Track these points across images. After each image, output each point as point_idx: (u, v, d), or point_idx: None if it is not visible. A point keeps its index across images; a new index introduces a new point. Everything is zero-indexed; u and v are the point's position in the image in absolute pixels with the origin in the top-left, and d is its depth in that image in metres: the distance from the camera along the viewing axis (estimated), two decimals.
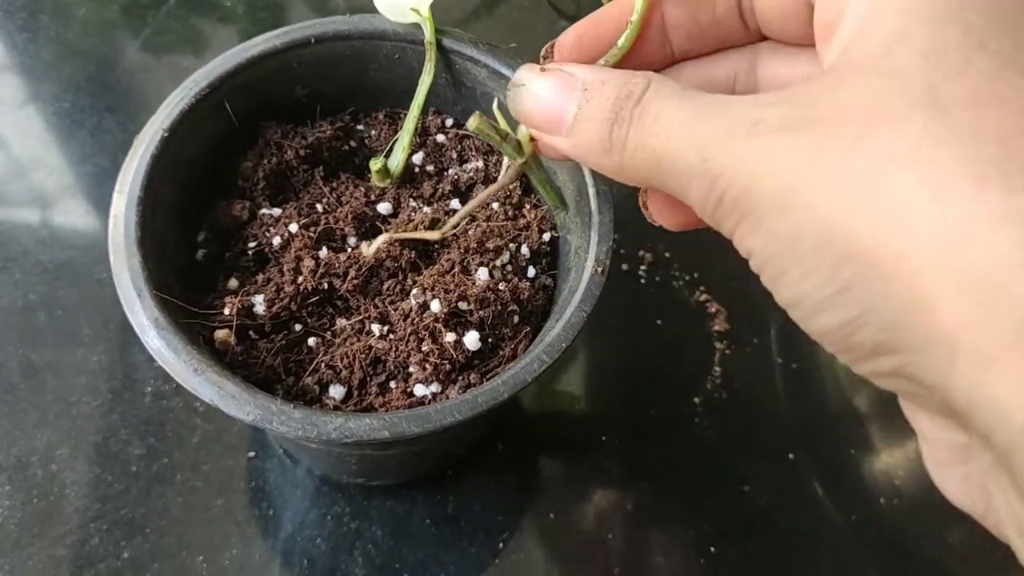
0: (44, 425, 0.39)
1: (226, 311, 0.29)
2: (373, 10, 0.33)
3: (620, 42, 0.26)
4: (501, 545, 0.38)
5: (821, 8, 0.22)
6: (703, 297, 0.45)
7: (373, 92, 0.36)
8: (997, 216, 0.16)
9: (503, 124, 0.28)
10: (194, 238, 0.32)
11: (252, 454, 0.39)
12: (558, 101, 0.24)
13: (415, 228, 0.32)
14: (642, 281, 0.45)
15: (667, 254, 0.46)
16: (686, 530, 0.39)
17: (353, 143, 0.36)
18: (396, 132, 0.36)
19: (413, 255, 0.32)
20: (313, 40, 0.33)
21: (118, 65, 0.51)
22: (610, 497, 0.40)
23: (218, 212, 0.32)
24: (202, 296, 0.30)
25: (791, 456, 0.41)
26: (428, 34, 0.33)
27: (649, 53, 0.27)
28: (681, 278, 0.46)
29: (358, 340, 0.30)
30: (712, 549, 0.39)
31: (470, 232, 0.32)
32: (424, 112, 0.34)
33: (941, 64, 0.18)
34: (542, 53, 0.27)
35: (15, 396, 0.40)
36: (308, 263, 0.30)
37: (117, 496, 0.38)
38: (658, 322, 0.44)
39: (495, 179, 0.34)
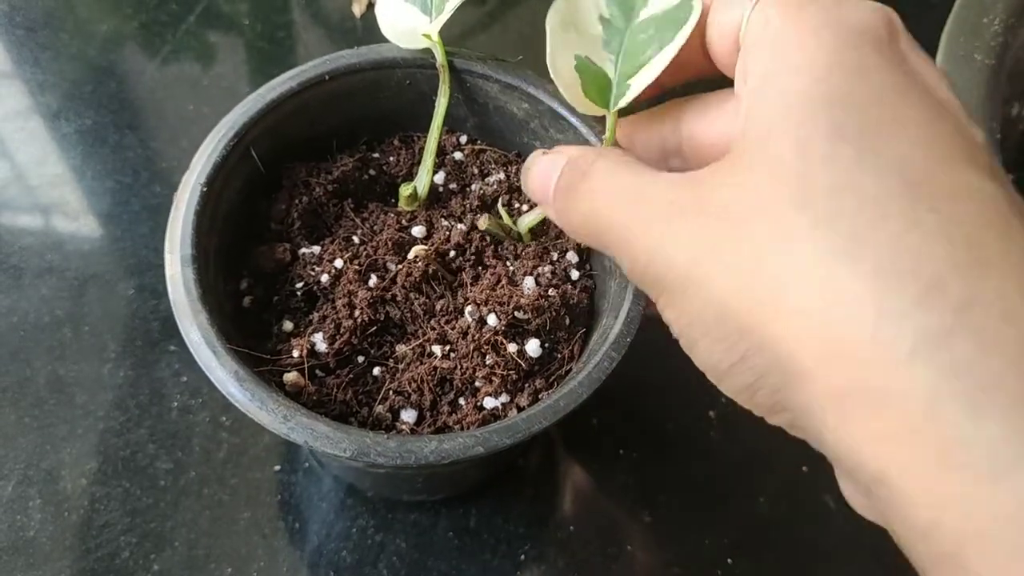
0: (72, 439, 0.40)
1: (295, 354, 0.30)
2: (381, 30, 0.34)
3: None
4: (523, 557, 0.39)
5: (738, 86, 0.26)
6: None
7: (385, 119, 0.37)
8: (837, 297, 0.19)
9: (507, 220, 0.34)
10: (237, 287, 0.33)
11: (278, 468, 0.40)
12: (547, 177, 0.28)
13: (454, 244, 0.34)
14: None
15: None
16: (702, 541, 0.40)
17: (372, 171, 0.36)
18: (412, 156, 0.37)
19: (450, 274, 0.33)
20: (327, 77, 0.34)
21: (138, 83, 0.52)
22: (628, 510, 0.41)
23: (259, 257, 0.33)
24: (259, 342, 0.31)
25: (804, 468, 0.42)
26: (440, 57, 0.33)
27: None
28: None
29: (421, 363, 0.31)
30: (728, 560, 0.39)
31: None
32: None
33: (810, 154, 0.20)
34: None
35: (43, 411, 0.41)
36: (362, 295, 0.31)
37: (146, 510, 0.39)
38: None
39: (518, 187, 0.36)
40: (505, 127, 0.36)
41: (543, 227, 0.35)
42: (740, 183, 0.22)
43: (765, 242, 0.20)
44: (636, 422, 0.43)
